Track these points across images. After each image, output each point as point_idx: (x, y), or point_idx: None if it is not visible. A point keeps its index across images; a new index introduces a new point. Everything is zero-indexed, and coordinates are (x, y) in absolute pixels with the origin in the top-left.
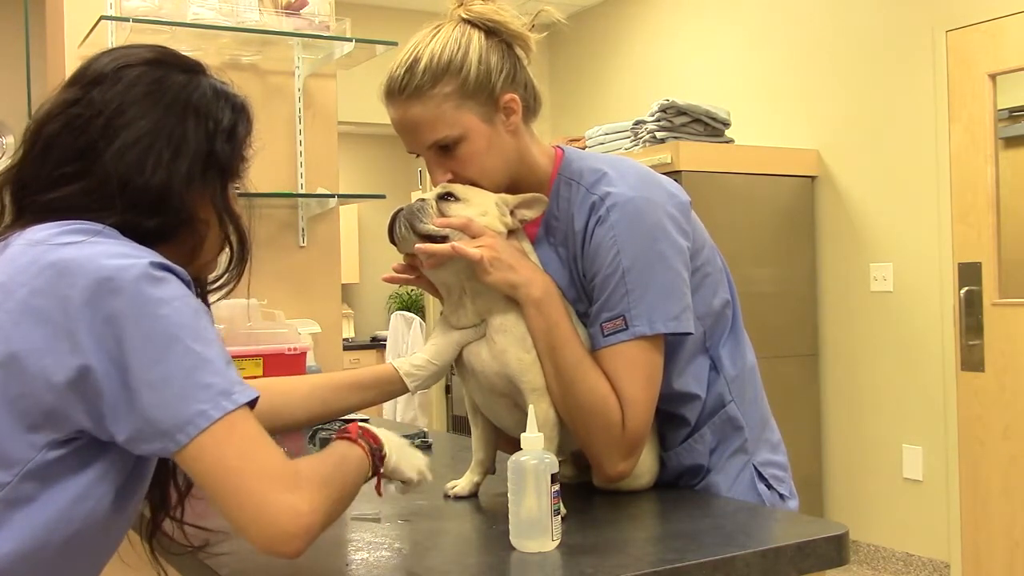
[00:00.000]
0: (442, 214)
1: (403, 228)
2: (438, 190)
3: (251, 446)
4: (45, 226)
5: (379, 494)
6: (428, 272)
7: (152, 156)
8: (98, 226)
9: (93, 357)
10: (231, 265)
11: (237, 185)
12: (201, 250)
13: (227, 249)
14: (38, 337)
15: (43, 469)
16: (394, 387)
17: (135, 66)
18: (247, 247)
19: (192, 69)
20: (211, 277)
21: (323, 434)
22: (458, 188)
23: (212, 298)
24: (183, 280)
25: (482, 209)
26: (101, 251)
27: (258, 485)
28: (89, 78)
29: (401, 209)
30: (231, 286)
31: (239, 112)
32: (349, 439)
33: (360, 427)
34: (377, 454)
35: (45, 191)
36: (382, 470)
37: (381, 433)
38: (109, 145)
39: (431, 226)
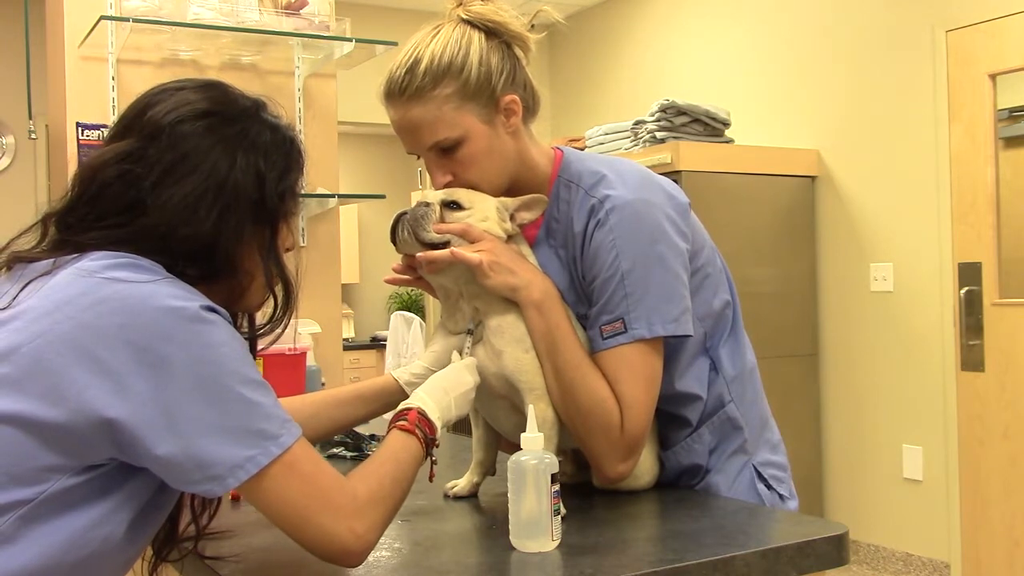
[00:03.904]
0: (444, 220)
1: (405, 233)
2: (442, 196)
3: (308, 482)
4: (96, 255)
5: (431, 480)
6: (428, 276)
7: (201, 210)
8: (147, 261)
9: (138, 399)
10: (275, 314)
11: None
12: (243, 297)
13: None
14: (81, 372)
15: (65, 492)
16: (395, 397)
17: (191, 121)
18: (292, 297)
19: (246, 113)
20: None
21: (332, 450)
22: (462, 195)
23: (259, 344)
24: (228, 320)
25: (483, 214)
26: (153, 291)
27: (319, 518)
28: (147, 129)
29: (404, 213)
30: (277, 333)
31: (291, 156)
32: (406, 429)
33: (418, 415)
34: (432, 444)
35: (89, 231)
36: (435, 449)
37: (428, 397)
38: (158, 200)
39: (433, 234)
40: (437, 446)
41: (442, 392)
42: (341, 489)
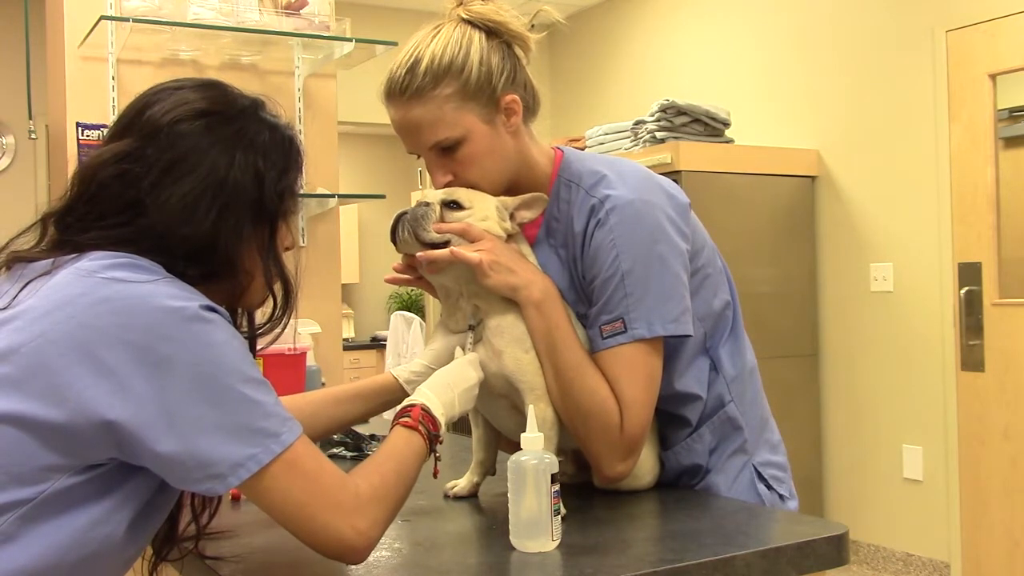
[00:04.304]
0: (444, 220)
1: (406, 233)
2: (442, 195)
3: (310, 479)
4: (96, 255)
5: (435, 476)
6: (428, 276)
7: (200, 209)
8: (146, 261)
9: (138, 399)
10: (275, 314)
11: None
12: (243, 297)
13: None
14: (81, 372)
15: (65, 492)
16: (395, 395)
17: (189, 120)
18: (292, 296)
19: (245, 112)
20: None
21: (332, 450)
22: (462, 194)
23: (259, 344)
24: (227, 320)
25: (483, 214)
26: (153, 291)
27: (322, 515)
28: (145, 129)
29: (405, 213)
30: (277, 333)
31: (289, 156)
32: (410, 426)
33: (421, 411)
34: (435, 440)
35: (88, 231)
36: (439, 445)
37: (432, 393)
38: (157, 200)
39: (433, 234)
40: (441, 442)
41: (446, 388)
42: (343, 486)
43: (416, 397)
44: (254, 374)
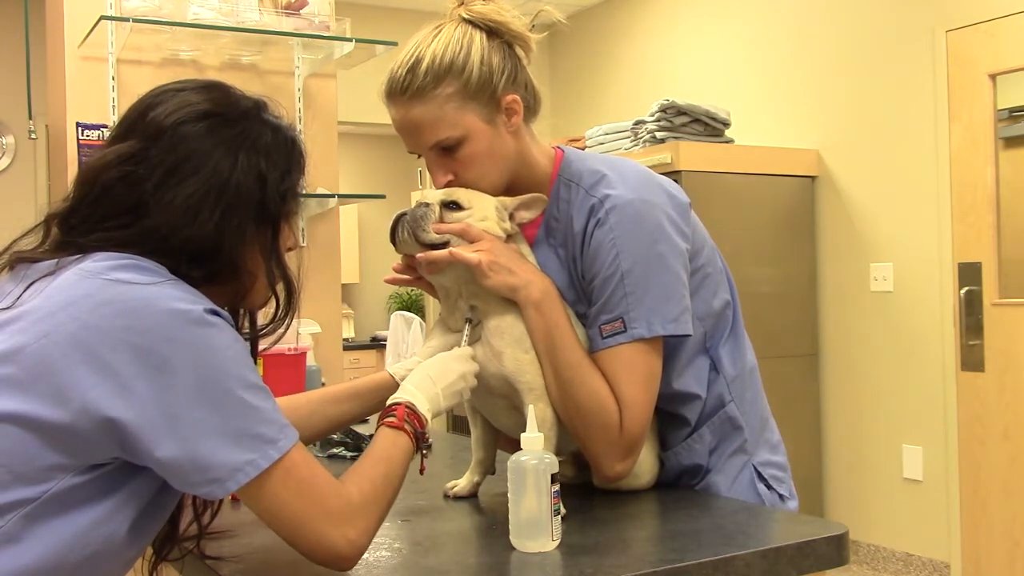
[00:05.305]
0: (443, 220)
1: (405, 233)
2: (442, 196)
3: (304, 487)
4: (100, 256)
5: (421, 472)
6: (428, 276)
7: (203, 211)
8: (150, 263)
9: (141, 400)
10: (277, 315)
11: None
12: (246, 298)
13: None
14: (85, 372)
15: (69, 491)
16: (392, 393)
17: (192, 122)
18: (295, 297)
19: (247, 114)
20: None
21: (331, 450)
22: (462, 195)
23: (261, 344)
24: (230, 324)
25: (482, 214)
26: (158, 293)
27: (314, 524)
28: (148, 131)
29: (404, 213)
30: (280, 333)
31: (292, 157)
32: (395, 426)
33: (406, 409)
34: (422, 437)
35: (92, 232)
36: (426, 442)
37: (416, 389)
38: (160, 201)
39: (432, 234)
40: (428, 438)
41: (430, 383)
42: (337, 494)
43: (400, 395)
44: (254, 379)
